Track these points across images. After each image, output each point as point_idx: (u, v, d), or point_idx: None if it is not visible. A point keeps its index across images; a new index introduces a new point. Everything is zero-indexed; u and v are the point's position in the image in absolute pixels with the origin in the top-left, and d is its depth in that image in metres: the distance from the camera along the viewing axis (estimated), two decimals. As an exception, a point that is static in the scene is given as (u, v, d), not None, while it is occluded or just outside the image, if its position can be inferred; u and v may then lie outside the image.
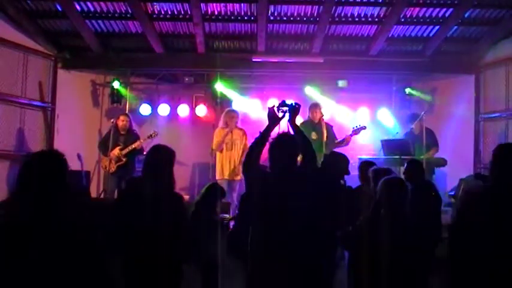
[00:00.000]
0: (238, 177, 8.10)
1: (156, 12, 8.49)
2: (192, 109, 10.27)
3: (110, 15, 8.55)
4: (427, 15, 8.39)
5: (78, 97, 9.90)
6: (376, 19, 8.55)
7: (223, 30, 8.98)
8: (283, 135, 4.02)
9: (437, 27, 8.65)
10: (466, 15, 8.36)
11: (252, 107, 10.06)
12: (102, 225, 3.68)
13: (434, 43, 9.01)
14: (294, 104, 4.10)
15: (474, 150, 9.14)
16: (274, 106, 4.12)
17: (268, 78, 10.13)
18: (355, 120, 9.36)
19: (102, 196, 8.70)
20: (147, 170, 4.06)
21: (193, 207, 5.31)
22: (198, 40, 8.96)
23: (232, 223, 6.57)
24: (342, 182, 5.35)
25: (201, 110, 10.13)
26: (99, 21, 8.75)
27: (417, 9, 8.28)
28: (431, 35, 8.90)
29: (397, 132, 9.11)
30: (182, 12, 8.47)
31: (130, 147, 8.36)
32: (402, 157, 7.50)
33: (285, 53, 9.48)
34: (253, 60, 9.34)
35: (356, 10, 8.37)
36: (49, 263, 2.61)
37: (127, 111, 9.51)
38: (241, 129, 8.55)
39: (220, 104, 9.88)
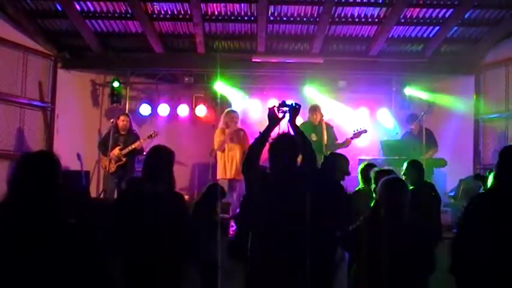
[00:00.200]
0: (239, 178, 8.09)
1: (156, 12, 8.49)
2: (192, 109, 10.26)
3: (109, 15, 8.55)
4: (427, 15, 8.39)
5: (78, 97, 9.90)
6: (376, 20, 8.55)
7: (223, 30, 8.98)
8: (283, 136, 4.02)
9: (437, 27, 8.65)
10: (466, 16, 8.36)
11: (251, 108, 10.06)
12: (102, 225, 3.69)
13: (434, 44, 9.01)
14: (294, 105, 4.10)
15: (474, 150, 9.14)
16: (274, 106, 4.11)
17: (268, 78, 10.13)
18: (355, 121, 9.36)
19: (101, 196, 8.70)
20: (147, 170, 4.06)
21: (193, 207, 5.31)
22: (198, 40, 8.96)
23: (232, 222, 6.57)
24: (342, 183, 5.35)
25: (201, 110, 10.13)
26: (99, 21, 8.75)
27: (417, 9, 8.28)
28: (431, 35, 8.90)
29: (397, 133, 9.11)
30: (182, 12, 8.47)
31: (130, 147, 8.35)
32: (402, 158, 7.49)
33: (284, 53, 9.48)
34: (253, 60, 9.34)
35: (356, 10, 8.37)
36: (39, 265, 2.60)
37: (127, 111, 9.51)
38: (241, 129, 8.54)
39: (220, 104, 9.87)
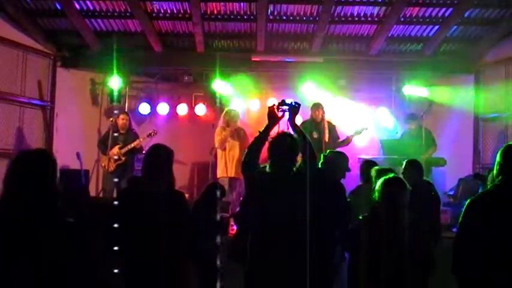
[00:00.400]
0: (239, 176, 8.09)
1: (156, 11, 8.48)
2: (191, 108, 10.25)
3: (109, 14, 8.54)
4: (426, 14, 8.38)
5: (78, 96, 9.88)
6: (376, 19, 8.54)
7: (223, 29, 8.97)
8: (282, 135, 4.02)
9: (436, 27, 8.64)
10: (465, 15, 8.35)
11: (251, 107, 10.05)
12: (102, 224, 3.69)
13: (434, 43, 9.00)
14: (293, 104, 4.09)
15: (473, 150, 9.14)
16: (274, 105, 4.11)
17: (267, 77, 10.12)
18: (354, 120, 9.36)
19: (101, 195, 8.70)
20: (147, 169, 4.06)
21: (193, 206, 5.30)
22: (198, 39, 8.95)
23: (231, 221, 6.57)
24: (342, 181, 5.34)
25: (200, 109, 10.13)
26: (99, 20, 8.74)
27: (417, 8, 8.27)
28: (431, 34, 8.89)
29: (397, 132, 9.11)
30: (182, 11, 8.46)
31: (129, 146, 8.35)
32: (401, 157, 7.49)
33: (284, 52, 9.47)
34: (253, 59, 9.33)
35: (356, 9, 8.36)
36: (35, 263, 2.59)
37: (126, 110, 9.50)
38: (241, 128, 8.55)
39: (219, 103, 9.87)
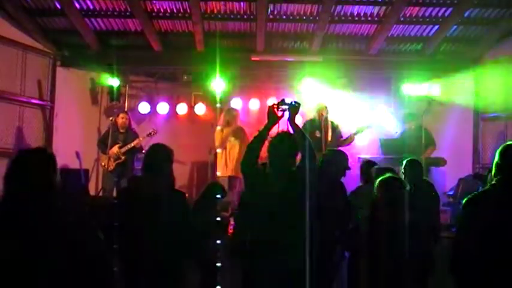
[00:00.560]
0: (239, 175, 8.08)
1: (156, 10, 8.48)
2: (191, 107, 10.23)
3: (109, 13, 8.54)
4: (426, 14, 8.39)
5: (77, 95, 9.87)
6: (376, 18, 8.54)
7: (223, 28, 8.97)
8: (282, 134, 4.01)
9: (436, 26, 8.64)
10: (465, 15, 8.35)
11: (250, 106, 10.05)
12: (101, 223, 3.68)
13: (434, 42, 9.01)
14: (293, 103, 4.08)
15: (473, 149, 9.14)
16: (274, 105, 4.10)
17: (267, 76, 10.11)
18: (354, 120, 9.34)
19: (100, 194, 8.70)
20: (146, 168, 4.05)
21: (192, 206, 5.30)
22: (197, 38, 8.95)
23: (231, 221, 6.56)
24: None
25: (200, 109, 10.11)
26: (98, 19, 8.75)
27: (417, 8, 8.28)
28: (430, 34, 8.89)
29: (396, 132, 9.10)
30: (181, 11, 8.46)
31: (129, 146, 8.35)
32: (401, 156, 7.48)
33: (284, 51, 9.46)
34: (252, 59, 9.33)
35: (356, 9, 8.37)
36: (37, 262, 2.59)
37: (126, 109, 9.50)
38: (241, 127, 8.55)
39: (219, 102, 9.86)
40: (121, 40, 9.35)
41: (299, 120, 4.11)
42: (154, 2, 8.26)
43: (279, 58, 9.49)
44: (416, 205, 4.02)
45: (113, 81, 9.64)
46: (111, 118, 8.68)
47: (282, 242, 3.73)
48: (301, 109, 4.11)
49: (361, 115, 9.69)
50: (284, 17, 8.59)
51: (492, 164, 3.46)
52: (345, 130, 8.59)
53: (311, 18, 8.54)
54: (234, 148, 8.27)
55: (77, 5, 8.27)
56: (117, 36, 9.24)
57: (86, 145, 9.14)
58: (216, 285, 4.91)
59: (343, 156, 5.45)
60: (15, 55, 8.57)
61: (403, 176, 5.44)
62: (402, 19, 8.51)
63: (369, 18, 8.57)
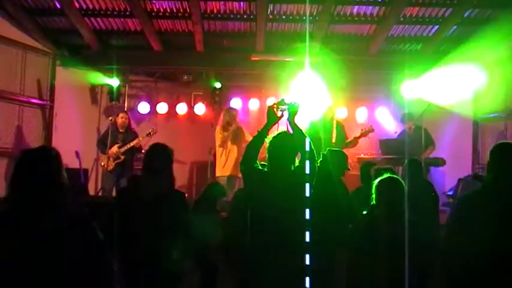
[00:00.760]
0: (238, 175, 8.08)
1: (155, 10, 8.48)
2: (191, 107, 10.25)
3: (108, 13, 8.54)
4: (426, 14, 8.39)
5: (77, 95, 9.87)
6: (376, 18, 8.54)
7: (222, 28, 8.97)
8: (281, 134, 4.01)
9: (436, 26, 8.64)
10: (465, 15, 8.35)
11: (250, 106, 10.05)
12: (101, 223, 3.67)
13: (434, 42, 9.00)
14: (293, 103, 4.08)
15: (473, 150, 9.14)
16: (273, 105, 4.10)
17: (267, 76, 10.11)
18: (354, 120, 9.35)
19: (100, 194, 8.70)
20: (146, 168, 4.05)
21: (192, 206, 5.30)
22: (197, 38, 8.95)
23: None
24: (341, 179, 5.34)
25: (200, 109, 10.12)
26: (98, 19, 8.75)
27: (416, 8, 8.28)
28: (430, 34, 8.89)
29: (396, 132, 9.10)
30: (181, 10, 8.46)
31: (129, 145, 8.34)
32: (400, 157, 7.48)
33: (284, 51, 9.46)
34: (252, 59, 9.33)
35: (355, 9, 8.37)
36: (43, 262, 2.59)
37: (125, 109, 9.50)
38: (240, 127, 8.55)
39: (218, 102, 9.87)
40: (121, 40, 9.36)
41: (299, 121, 4.09)
42: (154, 1, 8.26)
43: (279, 58, 9.48)
44: (415, 205, 4.02)
45: (113, 81, 9.65)
46: (110, 118, 8.68)
47: (282, 242, 3.73)
48: (300, 109, 4.11)
49: (361, 115, 9.70)
50: (284, 16, 8.59)
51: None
52: (347, 131, 8.59)
53: (311, 18, 8.53)
54: (233, 148, 8.27)
55: (77, 5, 8.28)
56: (117, 36, 9.24)
57: (85, 145, 9.14)
58: (216, 286, 4.91)
59: (343, 156, 5.45)
60: (15, 55, 8.58)
61: (402, 177, 5.44)
62: (402, 19, 8.51)
63: (369, 18, 8.57)
